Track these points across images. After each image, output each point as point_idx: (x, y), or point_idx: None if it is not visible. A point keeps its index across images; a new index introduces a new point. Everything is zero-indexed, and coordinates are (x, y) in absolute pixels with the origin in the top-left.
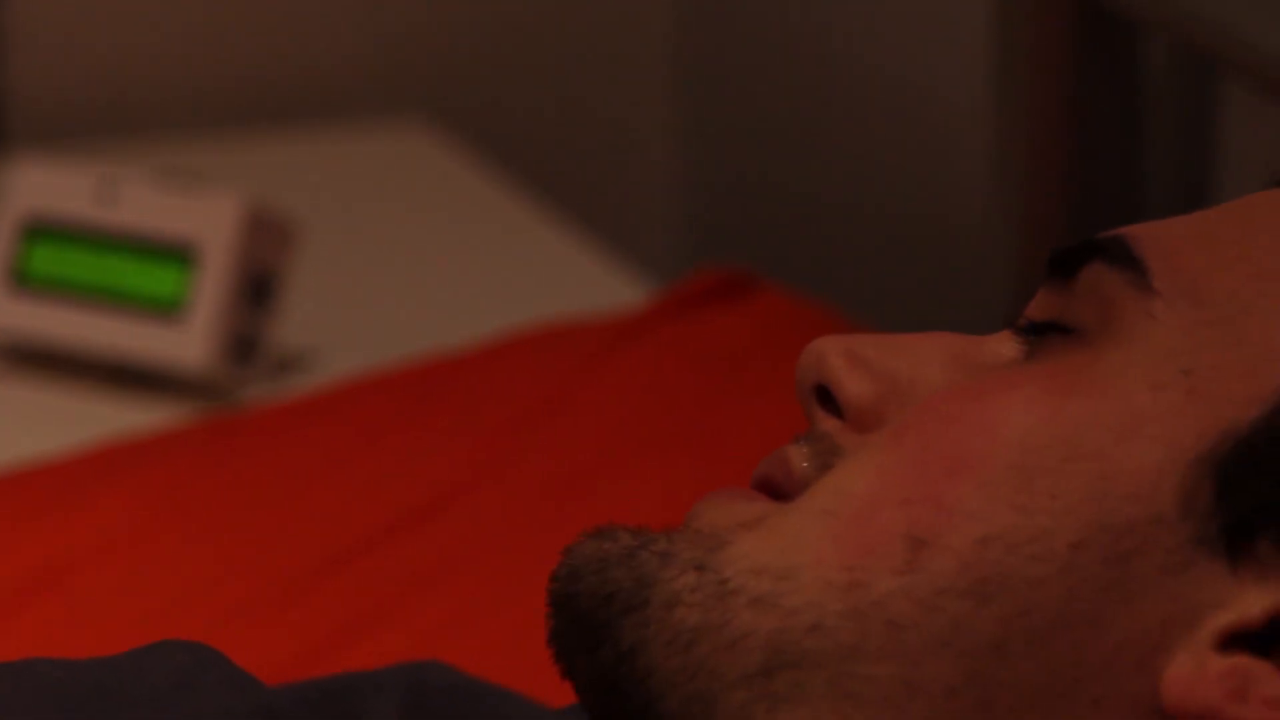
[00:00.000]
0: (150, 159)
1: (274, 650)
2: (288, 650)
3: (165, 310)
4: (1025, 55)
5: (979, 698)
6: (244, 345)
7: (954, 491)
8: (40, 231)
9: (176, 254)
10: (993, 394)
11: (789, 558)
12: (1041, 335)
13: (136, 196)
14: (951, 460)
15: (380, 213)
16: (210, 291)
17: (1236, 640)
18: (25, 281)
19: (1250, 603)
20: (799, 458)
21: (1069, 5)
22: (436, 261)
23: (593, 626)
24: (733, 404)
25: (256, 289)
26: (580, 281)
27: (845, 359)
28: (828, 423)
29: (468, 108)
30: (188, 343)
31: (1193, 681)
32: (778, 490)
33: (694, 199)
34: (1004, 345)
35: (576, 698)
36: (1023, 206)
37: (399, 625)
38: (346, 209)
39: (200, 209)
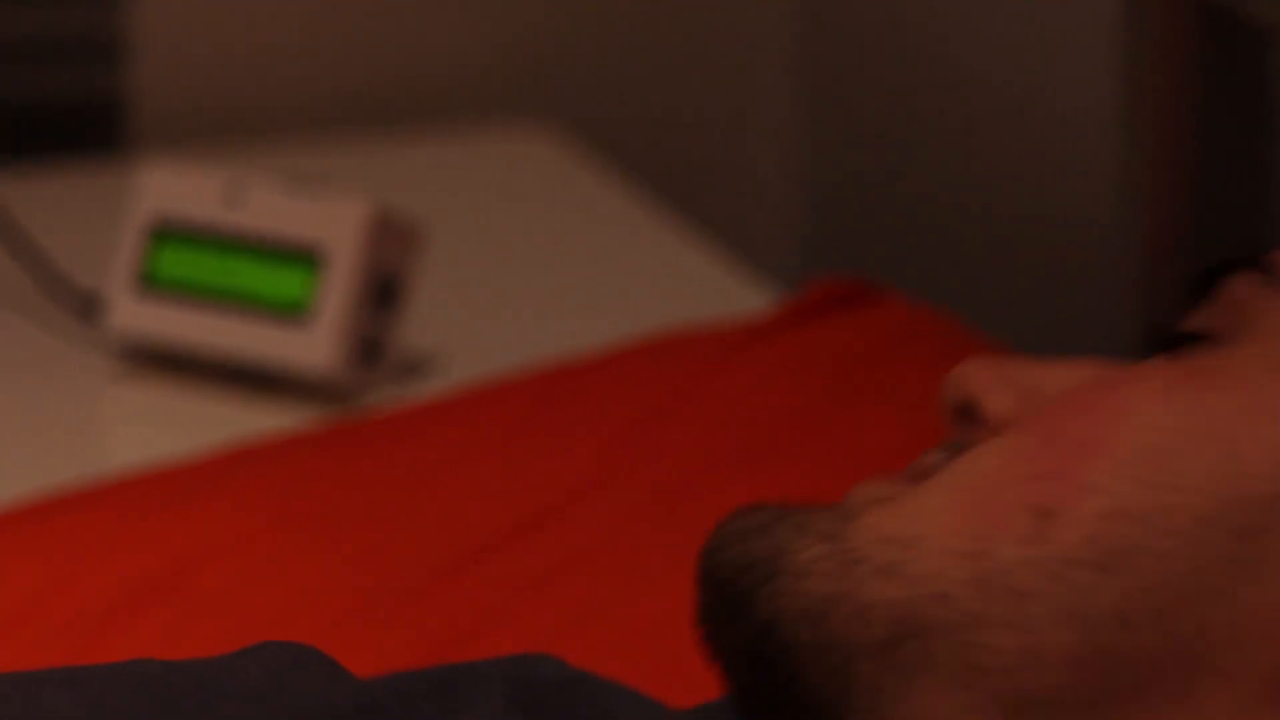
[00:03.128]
0: (274, 163)
1: (391, 652)
2: (405, 652)
3: (291, 313)
4: (1152, 63)
5: (1102, 669)
6: (369, 349)
7: (1082, 468)
8: (167, 234)
9: (303, 257)
10: (1125, 384)
11: (915, 528)
12: (1179, 346)
13: (263, 200)
14: (1081, 441)
15: (503, 217)
16: (336, 295)
17: None
18: (152, 284)
19: None
20: (933, 455)
21: (1196, 11)
22: (559, 266)
23: (733, 597)
24: (851, 412)
25: (382, 292)
26: (702, 288)
27: (991, 377)
28: (970, 438)
29: (590, 112)
30: (313, 346)
31: None
32: (914, 479)
33: (815, 206)
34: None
35: (721, 679)
36: (1148, 215)
37: (515, 628)
38: (470, 213)
39: (327, 212)
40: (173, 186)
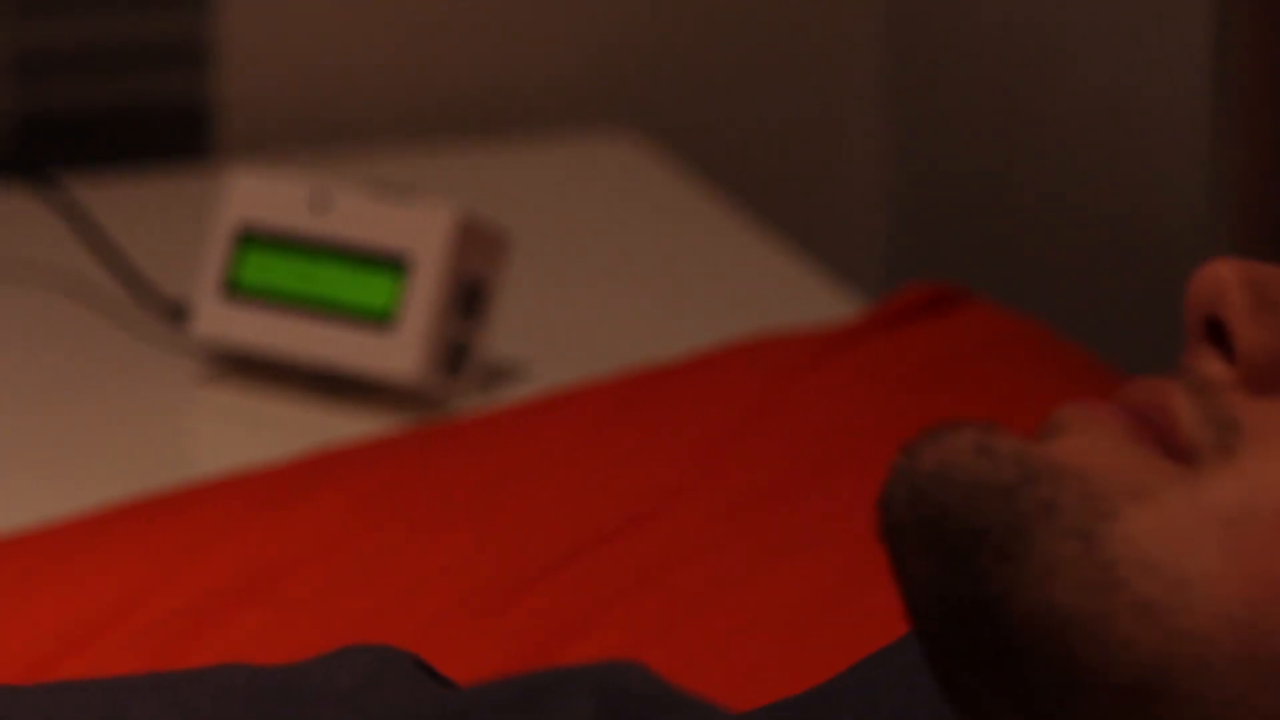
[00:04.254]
0: (360, 170)
1: (479, 657)
2: (493, 657)
3: (377, 320)
4: (1245, 68)
5: None
6: (454, 356)
7: None
8: (253, 240)
9: (389, 264)
10: None
11: (1181, 562)
12: None
13: (350, 206)
14: None
15: (588, 224)
16: (422, 302)
17: None
18: (238, 290)
19: None
20: (1187, 411)
21: None
22: (644, 273)
23: (956, 553)
24: (936, 419)
25: (467, 299)
26: (787, 295)
27: (1250, 295)
28: (1214, 366)
29: (676, 119)
30: (399, 353)
31: None
32: (1163, 440)
33: (902, 212)
34: None
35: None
36: (1240, 221)
37: (602, 633)
38: (555, 220)
39: (413, 219)
40: (259, 193)
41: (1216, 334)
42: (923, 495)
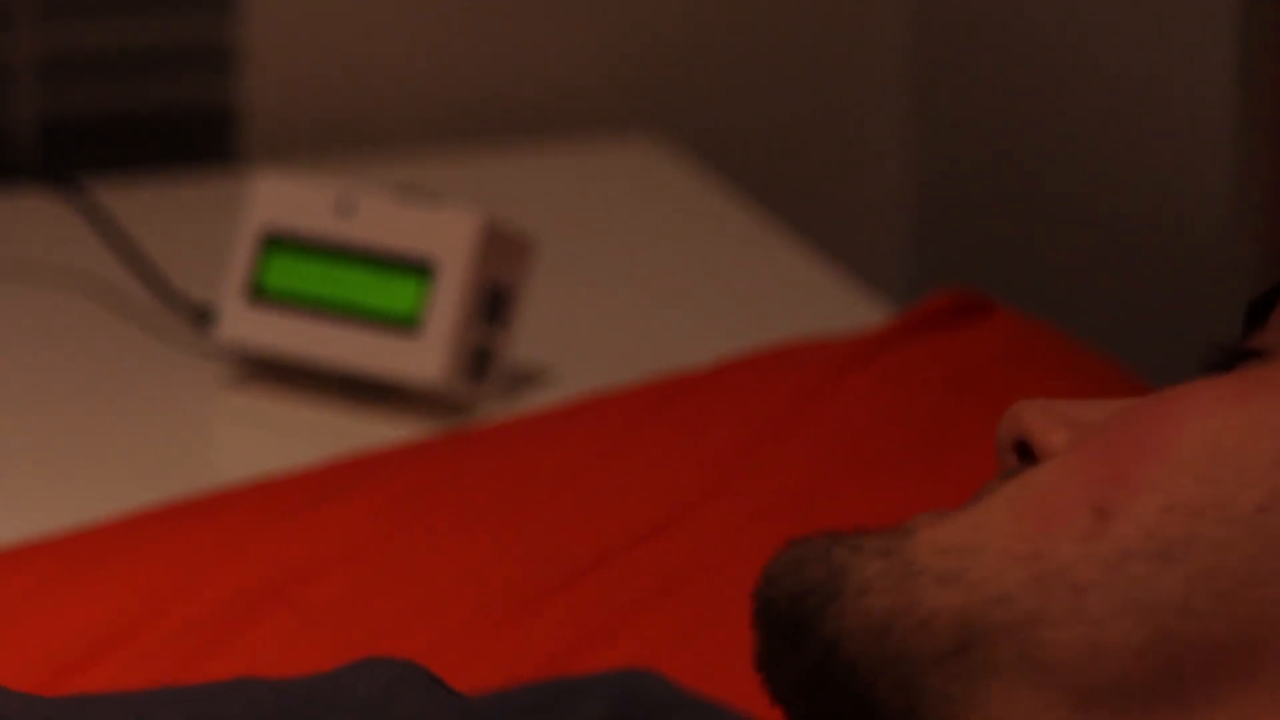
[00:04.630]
0: (384, 174)
1: (504, 664)
2: (518, 664)
3: (402, 324)
4: (1272, 69)
5: (1167, 656)
6: (479, 361)
7: (1140, 469)
8: (278, 244)
9: (414, 268)
10: (1179, 397)
11: (973, 536)
12: (1234, 363)
13: (374, 210)
14: (1138, 446)
15: (614, 229)
16: (447, 306)
17: None
18: (262, 294)
19: None
20: (992, 484)
21: None
22: (670, 279)
23: (794, 624)
24: (962, 427)
25: (493, 304)
26: (814, 301)
27: (1042, 415)
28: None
29: (701, 124)
30: (423, 357)
31: None
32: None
33: (928, 218)
34: None
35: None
36: (1267, 224)
37: (627, 641)
38: (580, 225)
39: (438, 224)
40: (284, 197)
41: (1025, 452)
42: (770, 605)
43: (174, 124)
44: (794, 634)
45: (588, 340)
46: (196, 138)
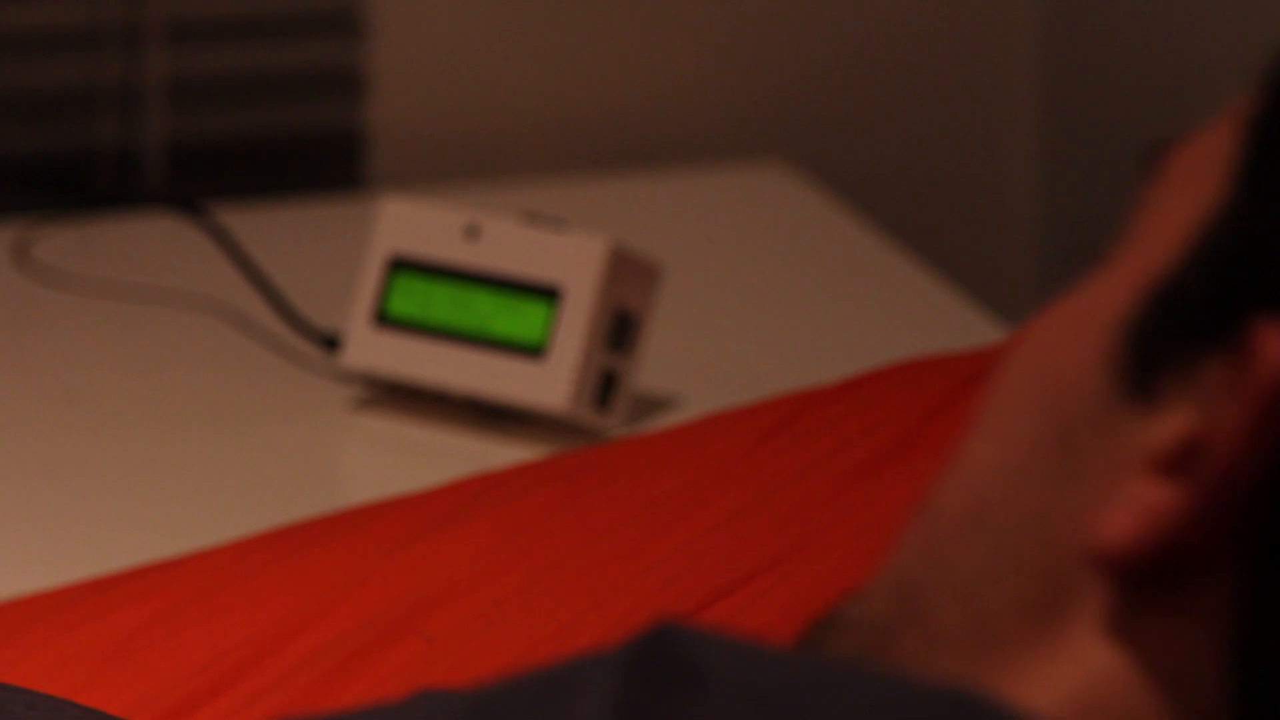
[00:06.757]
0: (511, 198)
1: None
2: None
3: (528, 350)
4: None
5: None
6: (605, 386)
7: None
8: (405, 269)
9: (540, 294)
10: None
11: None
12: None
13: (501, 236)
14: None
15: (742, 255)
16: (573, 332)
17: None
18: (389, 319)
19: (1158, 434)
20: None
21: None
22: (797, 305)
23: None
24: None
25: (619, 330)
26: (941, 327)
27: None
28: None
29: (830, 150)
30: (550, 383)
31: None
32: None
33: (1055, 244)
34: None
35: None
36: None
37: None
38: (708, 251)
39: (565, 249)
40: (410, 222)
41: None
42: None
43: (302, 148)
44: None
45: (714, 367)
46: (324, 162)
